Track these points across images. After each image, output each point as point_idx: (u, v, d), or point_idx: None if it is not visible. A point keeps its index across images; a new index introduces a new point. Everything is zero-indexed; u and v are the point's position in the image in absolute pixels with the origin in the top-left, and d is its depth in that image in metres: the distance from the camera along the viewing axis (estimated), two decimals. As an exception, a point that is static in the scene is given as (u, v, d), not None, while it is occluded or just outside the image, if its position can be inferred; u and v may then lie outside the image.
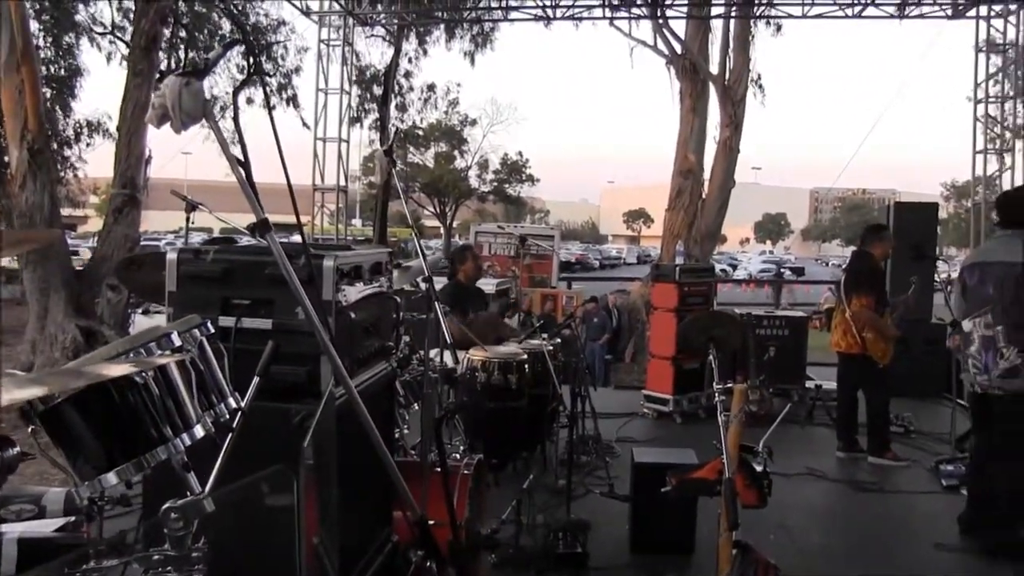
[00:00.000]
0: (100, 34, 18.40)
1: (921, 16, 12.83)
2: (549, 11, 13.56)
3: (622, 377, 13.93)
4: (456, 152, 40.89)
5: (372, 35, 20.16)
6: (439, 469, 3.29)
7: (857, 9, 12.62)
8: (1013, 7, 12.19)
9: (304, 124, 18.60)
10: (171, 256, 3.27)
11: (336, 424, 2.92)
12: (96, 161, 19.62)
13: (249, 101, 17.69)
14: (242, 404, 2.43)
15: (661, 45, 17.22)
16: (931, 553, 5.37)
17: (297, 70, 21.14)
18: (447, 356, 4.69)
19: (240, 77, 20.06)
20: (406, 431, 5.17)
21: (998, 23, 12.27)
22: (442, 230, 42.95)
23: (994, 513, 5.43)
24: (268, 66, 20.03)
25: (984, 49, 12.40)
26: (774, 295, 20.70)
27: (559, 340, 7.21)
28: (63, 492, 3.39)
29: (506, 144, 55.45)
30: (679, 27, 16.79)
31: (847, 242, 76.83)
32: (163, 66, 14.61)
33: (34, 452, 2.21)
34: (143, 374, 1.93)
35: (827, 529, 6.04)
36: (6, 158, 12.69)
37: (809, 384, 9.53)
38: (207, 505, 2.03)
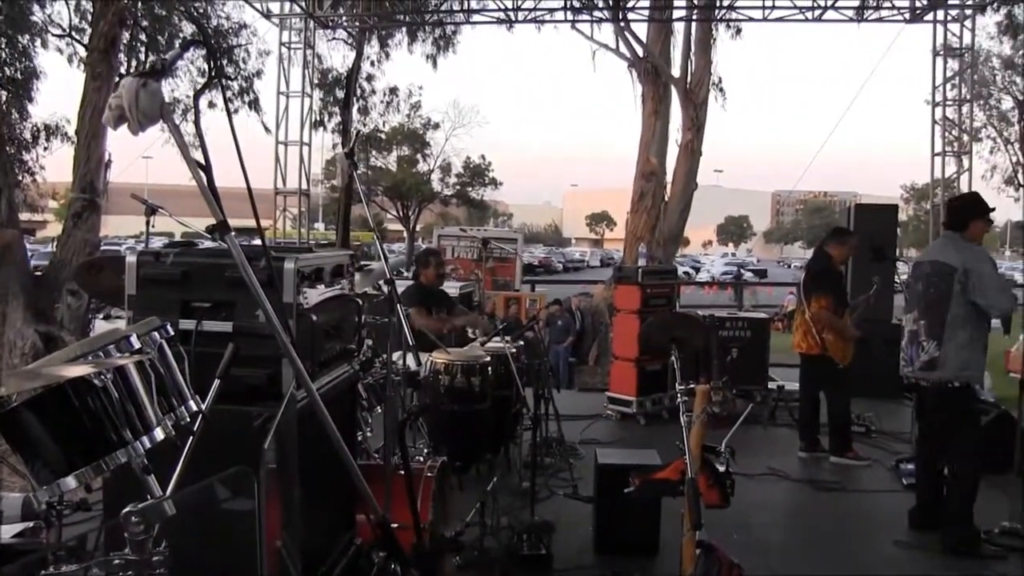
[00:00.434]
0: (58, 36, 18.16)
1: (880, 20, 12.96)
2: (511, 14, 13.52)
3: (586, 379, 13.99)
4: (419, 155, 40.67)
5: (334, 38, 20.10)
6: (403, 472, 3.30)
7: (817, 12, 12.73)
8: (969, 12, 12.41)
9: (266, 129, 18.47)
10: (131, 259, 3.25)
11: (298, 427, 2.92)
12: (55, 165, 19.32)
13: (211, 105, 17.48)
14: (203, 407, 2.41)
15: (623, 48, 17.28)
16: (891, 550, 5.46)
17: (259, 73, 20.89)
18: (410, 359, 4.68)
19: (201, 81, 19.84)
20: (369, 434, 5.18)
21: (955, 27, 12.44)
22: (405, 234, 42.79)
23: (938, 499, 5.62)
24: (229, 69, 19.84)
25: (941, 53, 12.56)
26: (736, 297, 20.88)
27: (522, 342, 7.23)
28: (21, 497, 3.36)
29: (469, 147, 55.32)
30: (641, 30, 16.84)
31: (809, 244, 77.41)
32: (123, 69, 14.45)
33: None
34: (102, 376, 1.91)
35: (789, 528, 6.12)
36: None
37: (771, 385, 9.60)
38: (168, 508, 2.01)
